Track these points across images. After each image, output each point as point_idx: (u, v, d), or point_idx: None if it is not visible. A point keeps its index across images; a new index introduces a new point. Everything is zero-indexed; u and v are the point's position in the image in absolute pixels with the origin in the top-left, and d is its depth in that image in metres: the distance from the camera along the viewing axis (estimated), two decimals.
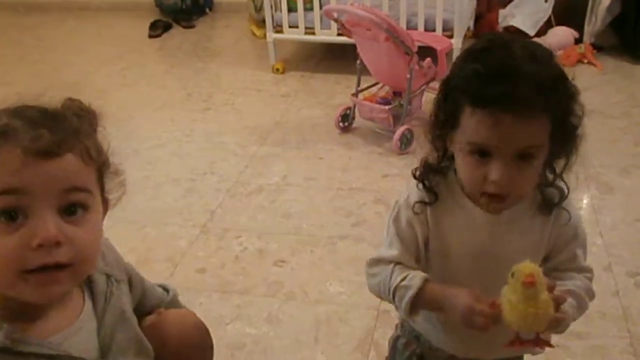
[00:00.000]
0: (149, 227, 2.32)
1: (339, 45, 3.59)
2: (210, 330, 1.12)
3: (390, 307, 1.87)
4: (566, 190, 1.07)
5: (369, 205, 2.42)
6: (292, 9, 3.63)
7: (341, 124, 2.99)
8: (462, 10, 3.42)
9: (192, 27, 4.74)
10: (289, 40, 3.84)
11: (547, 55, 0.99)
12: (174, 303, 1.05)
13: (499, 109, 0.90)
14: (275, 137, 3.01)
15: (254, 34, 4.45)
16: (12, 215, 0.69)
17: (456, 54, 3.38)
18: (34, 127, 0.72)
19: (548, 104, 0.92)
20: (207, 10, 5.02)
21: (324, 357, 1.74)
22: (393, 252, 1.07)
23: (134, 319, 0.88)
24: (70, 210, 0.72)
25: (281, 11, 3.65)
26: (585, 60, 3.67)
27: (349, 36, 2.83)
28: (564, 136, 0.99)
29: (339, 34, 3.53)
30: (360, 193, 2.50)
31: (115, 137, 0.87)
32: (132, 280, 0.94)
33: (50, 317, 0.75)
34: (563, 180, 1.07)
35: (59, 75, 3.88)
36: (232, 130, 3.08)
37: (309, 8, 3.60)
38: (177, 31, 4.69)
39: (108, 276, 0.83)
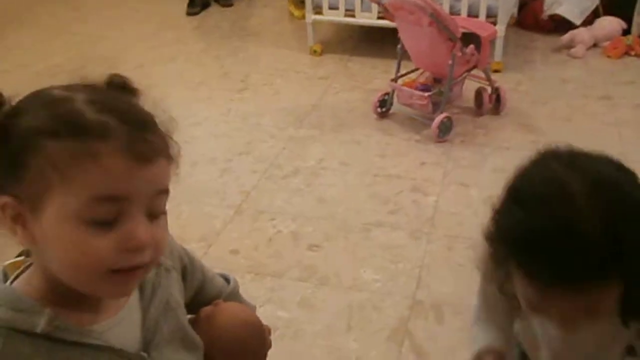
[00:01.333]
0: (184, 205, 2.33)
1: (378, 29, 3.54)
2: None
3: (424, 297, 1.87)
4: None
5: (405, 192, 2.39)
6: None
7: (379, 109, 2.95)
8: None
9: (231, 5, 4.71)
10: (327, 22, 3.79)
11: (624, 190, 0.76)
12: (234, 295, 1.02)
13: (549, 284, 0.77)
14: (312, 120, 2.99)
15: (292, 15, 4.41)
16: (110, 220, 0.68)
17: (500, 41, 3.32)
18: (132, 128, 0.69)
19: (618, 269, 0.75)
20: None
21: (357, 344, 1.73)
22: None
23: (182, 310, 0.84)
24: (156, 213, 0.72)
25: None
26: (633, 53, 3.55)
27: (391, 20, 2.78)
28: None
29: (379, 17, 3.48)
30: (397, 180, 2.47)
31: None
32: (190, 269, 0.93)
33: (95, 306, 0.74)
34: None
35: (95, 49, 3.91)
36: (269, 112, 3.06)
37: None
38: (215, 9, 4.67)
39: (158, 265, 0.81)
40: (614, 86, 3.22)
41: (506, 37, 3.41)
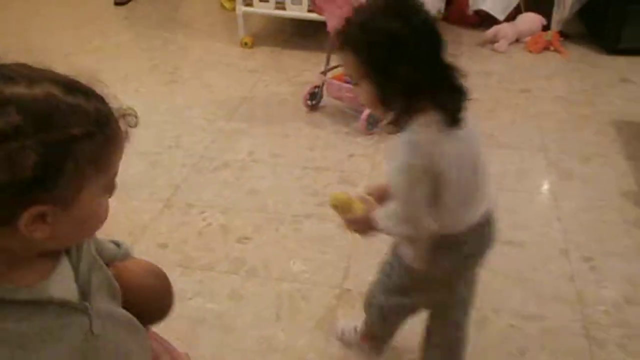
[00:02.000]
0: (112, 199, 2.28)
1: (309, 22, 3.56)
2: (171, 304, 1.11)
3: (352, 285, 1.91)
4: None
5: (334, 184, 2.42)
6: None
7: (309, 102, 2.98)
8: None
9: None
10: (258, 14, 3.78)
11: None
12: (128, 256, 1.05)
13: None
14: (243, 112, 2.99)
15: (223, 7, 4.37)
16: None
17: None
18: (115, 114, 0.79)
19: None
20: None
21: (285, 334, 1.75)
22: None
23: (104, 264, 0.90)
24: None
25: None
26: (552, 48, 3.71)
27: (320, 13, 2.81)
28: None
29: (309, 10, 3.50)
30: (326, 172, 2.51)
31: None
32: None
33: (33, 268, 0.78)
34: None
35: (19, 39, 3.76)
36: (198, 104, 3.04)
37: None
38: (143, 1, 4.58)
39: None
40: (534, 80, 3.37)
41: None
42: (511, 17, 3.90)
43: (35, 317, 0.75)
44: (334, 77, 2.90)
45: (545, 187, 2.46)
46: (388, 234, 1.34)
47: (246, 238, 2.13)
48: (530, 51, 3.71)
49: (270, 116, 2.96)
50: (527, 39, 3.79)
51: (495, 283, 1.95)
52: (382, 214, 1.31)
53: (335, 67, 2.96)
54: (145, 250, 2.05)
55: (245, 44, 3.70)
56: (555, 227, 2.21)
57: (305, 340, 1.73)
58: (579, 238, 2.15)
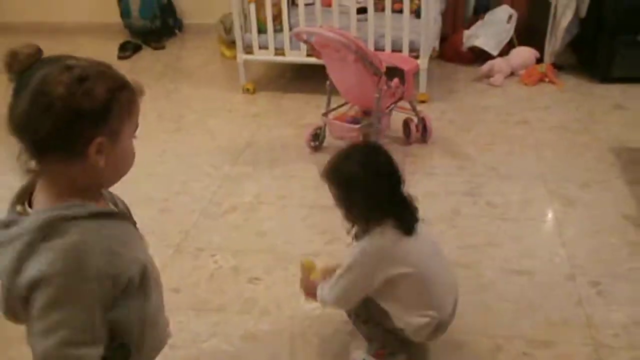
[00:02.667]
0: None
1: (309, 66, 3.65)
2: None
3: None
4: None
5: (340, 222, 2.45)
6: (261, 30, 3.69)
7: (312, 143, 3.05)
8: (428, 31, 3.52)
9: (162, 48, 4.77)
10: (259, 61, 3.89)
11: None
12: None
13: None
14: (247, 156, 3.05)
15: (224, 55, 4.50)
16: None
17: (423, 73, 3.49)
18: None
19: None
20: (177, 31, 5.06)
21: None
22: None
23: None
24: None
25: (251, 32, 3.71)
26: (547, 79, 3.80)
27: (318, 57, 2.90)
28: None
29: (308, 55, 3.60)
30: (333, 210, 2.52)
31: None
32: None
33: (92, 196, 1.10)
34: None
35: None
36: (204, 151, 3.11)
37: (278, 30, 3.66)
38: (147, 52, 4.72)
39: None
40: (531, 111, 3.44)
41: (430, 69, 3.59)
42: (505, 52, 4.01)
43: (117, 225, 1.09)
44: (335, 118, 2.97)
45: (549, 214, 2.50)
46: (321, 302, 1.73)
47: (257, 279, 2.16)
48: (526, 84, 3.80)
49: (275, 159, 3.02)
50: (522, 72, 3.89)
51: (506, 311, 1.97)
52: (323, 286, 1.71)
53: (336, 108, 3.04)
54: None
55: (247, 90, 3.80)
56: (561, 253, 2.24)
57: None
58: (584, 263, 2.18)
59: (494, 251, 2.27)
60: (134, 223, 1.17)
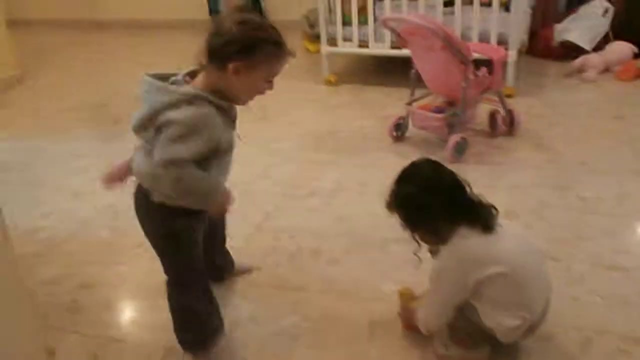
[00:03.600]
0: None
1: (391, 59, 3.63)
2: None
3: None
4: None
5: None
6: (346, 22, 3.69)
7: (394, 133, 3.01)
8: (517, 23, 3.41)
9: None
10: (341, 54, 3.90)
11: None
12: None
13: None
14: (329, 145, 3.06)
15: (307, 50, 4.54)
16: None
17: (511, 67, 3.38)
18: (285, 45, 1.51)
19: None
20: None
21: (377, 352, 1.74)
22: None
23: None
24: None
25: (335, 25, 3.72)
26: None
27: (404, 46, 2.86)
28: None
29: (392, 47, 3.57)
30: None
31: None
32: None
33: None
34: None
35: (126, 86, 4.05)
36: (287, 138, 3.14)
37: (362, 22, 3.66)
38: None
39: None
40: (627, 107, 3.27)
41: (517, 64, 3.48)
42: (599, 48, 3.83)
43: (224, 116, 1.52)
44: (419, 107, 2.93)
45: None
46: (424, 327, 1.70)
47: (336, 260, 2.15)
48: (622, 79, 3.62)
49: (356, 148, 3.01)
50: (617, 68, 3.70)
51: (597, 306, 1.87)
52: (421, 309, 1.70)
53: (420, 98, 2.99)
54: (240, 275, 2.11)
55: (330, 82, 3.81)
56: None
57: (399, 358, 1.71)
58: None
59: (584, 245, 2.15)
60: (234, 127, 1.63)
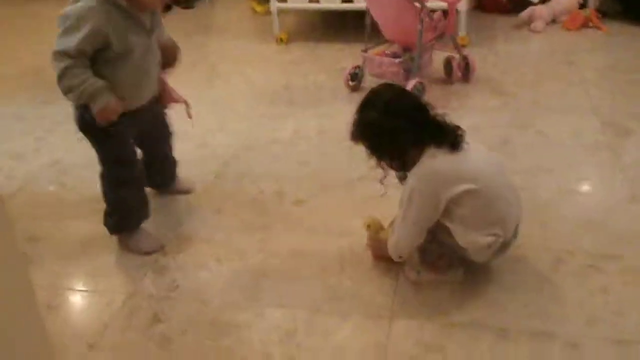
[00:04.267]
0: None
1: (341, 16, 3.56)
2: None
3: None
4: None
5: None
6: None
7: (350, 83, 2.96)
8: None
9: (192, 7, 4.70)
10: (292, 11, 3.81)
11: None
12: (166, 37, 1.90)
13: None
14: (285, 99, 2.98)
15: (255, 11, 4.43)
16: None
17: (463, 15, 3.38)
18: None
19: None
20: None
21: (351, 282, 1.69)
22: None
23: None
24: None
25: None
26: (591, 24, 3.66)
27: None
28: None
29: (343, 1, 3.51)
30: None
31: None
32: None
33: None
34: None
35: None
36: (240, 95, 3.04)
37: None
38: (176, 13, 4.65)
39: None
40: (575, 54, 3.31)
41: (468, 18, 3.48)
42: (545, 0, 3.87)
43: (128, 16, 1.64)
44: (375, 54, 2.88)
45: (603, 142, 2.38)
46: (395, 252, 1.63)
47: (302, 201, 2.09)
48: (569, 29, 3.66)
49: (313, 100, 2.94)
50: (564, 18, 3.75)
51: (565, 227, 1.87)
52: (392, 234, 1.63)
53: (376, 46, 2.94)
54: (201, 217, 2.03)
55: (281, 40, 3.72)
56: (619, 177, 2.13)
57: (373, 287, 1.67)
58: None
59: (548, 176, 2.16)
60: (145, 33, 1.70)
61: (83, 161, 2.32)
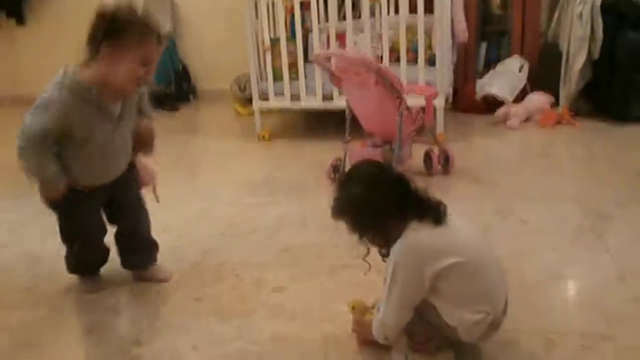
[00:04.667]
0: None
1: (322, 117, 3.65)
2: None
3: None
4: None
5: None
6: (277, 78, 3.72)
7: (332, 175, 2.97)
8: (442, 72, 3.53)
9: (177, 109, 4.81)
10: (274, 112, 3.90)
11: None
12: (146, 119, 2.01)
13: None
14: (266, 189, 2.98)
15: (238, 114, 4.53)
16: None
17: (439, 113, 3.47)
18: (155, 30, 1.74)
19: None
20: (191, 96, 5.13)
21: None
22: None
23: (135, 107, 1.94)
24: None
25: (267, 80, 3.74)
26: (564, 121, 3.77)
27: (338, 85, 2.89)
28: None
29: (324, 100, 3.61)
30: None
31: None
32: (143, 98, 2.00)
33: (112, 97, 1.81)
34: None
35: None
36: (221, 186, 3.04)
37: (294, 78, 3.69)
38: (161, 115, 4.74)
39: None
40: (551, 147, 3.40)
41: (445, 117, 3.57)
42: (519, 99, 4.01)
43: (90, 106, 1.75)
44: (355, 146, 2.92)
45: (586, 227, 2.37)
46: (381, 334, 1.55)
47: (282, 287, 2.02)
48: (543, 126, 3.77)
49: (294, 190, 2.94)
50: (538, 116, 3.87)
51: (555, 310, 1.82)
52: (377, 314, 1.56)
53: (357, 140, 2.99)
54: (178, 305, 1.94)
55: (263, 137, 3.78)
56: (606, 258, 2.10)
57: None
58: (634, 265, 2.03)
59: (533, 260, 2.13)
60: (109, 120, 1.81)
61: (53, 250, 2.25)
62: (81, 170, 1.82)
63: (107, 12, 1.66)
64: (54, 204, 1.86)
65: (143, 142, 1.97)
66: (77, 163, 1.81)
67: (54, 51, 5.28)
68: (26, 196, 2.98)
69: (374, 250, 1.64)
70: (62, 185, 1.78)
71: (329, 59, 2.85)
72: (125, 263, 2.09)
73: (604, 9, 3.63)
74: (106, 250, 2.07)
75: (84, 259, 2.03)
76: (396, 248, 1.50)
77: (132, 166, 1.99)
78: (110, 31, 1.65)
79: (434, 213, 1.51)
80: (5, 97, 5.46)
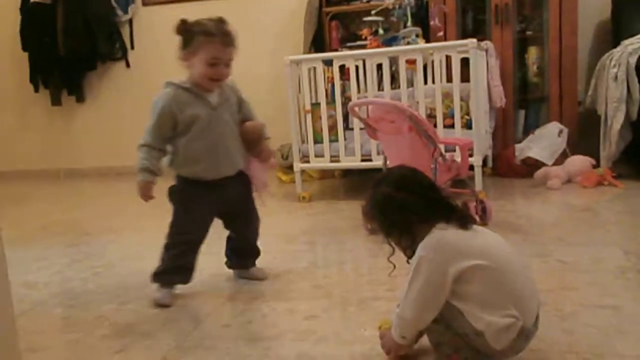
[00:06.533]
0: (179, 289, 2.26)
1: (360, 178, 3.70)
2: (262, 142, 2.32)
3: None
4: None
5: (401, 276, 2.32)
6: (317, 140, 3.84)
7: (369, 226, 2.99)
8: (479, 134, 3.57)
9: None
10: (315, 168, 4.00)
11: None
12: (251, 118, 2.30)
13: None
14: (303, 239, 3.01)
15: (281, 180, 4.64)
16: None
17: (477, 171, 3.48)
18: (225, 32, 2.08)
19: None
20: None
21: None
22: None
23: (234, 107, 2.26)
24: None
25: (307, 143, 3.86)
26: (606, 182, 3.72)
27: (373, 137, 2.97)
28: None
29: (362, 160, 3.69)
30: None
31: None
32: (244, 103, 2.31)
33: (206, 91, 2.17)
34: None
35: (103, 222, 4.03)
36: (261, 235, 3.08)
37: (333, 140, 3.81)
38: None
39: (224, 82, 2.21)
40: (594, 203, 3.34)
41: (485, 181, 3.58)
42: (559, 162, 4.00)
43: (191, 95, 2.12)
44: None
45: (627, 267, 2.29)
46: (401, 334, 1.57)
47: (314, 316, 2.01)
48: (585, 186, 3.73)
49: (331, 240, 2.96)
50: (579, 178, 3.83)
51: (592, 335, 1.75)
52: (396, 319, 1.58)
53: None
54: (208, 329, 1.95)
55: (303, 198, 3.85)
56: None
57: None
58: None
59: (571, 293, 2.07)
60: (208, 105, 2.11)
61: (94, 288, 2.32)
62: (194, 157, 2.09)
63: (179, 24, 2.03)
64: (173, 196, 2.15)
65: (250, 140, 2.22)
66: (189, 150, 2.08)
67: (110, 126, 5.63)
68: (73, 246, 3.12)
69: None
70: (153, 180, 2.05)
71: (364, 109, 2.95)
72: (230, 264, 2.40)
73: (639, 69, 3.66)
74: (194, 265, 2.22)
75: (177, 264, 2.17)
76: (422, 244, 1.52)
77: (245, 175, 2.26)
78: (184, 40, 2.05)
79: (461, 218, 1.54)
80: (66, 169, 5.78)
